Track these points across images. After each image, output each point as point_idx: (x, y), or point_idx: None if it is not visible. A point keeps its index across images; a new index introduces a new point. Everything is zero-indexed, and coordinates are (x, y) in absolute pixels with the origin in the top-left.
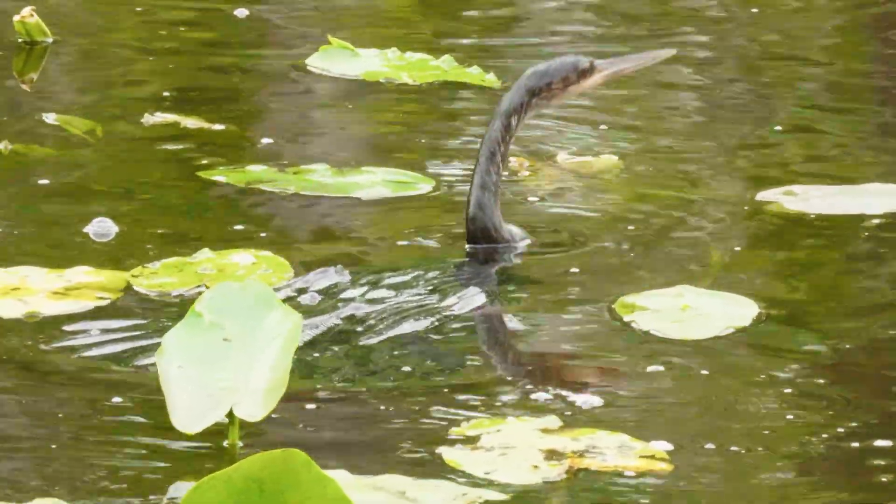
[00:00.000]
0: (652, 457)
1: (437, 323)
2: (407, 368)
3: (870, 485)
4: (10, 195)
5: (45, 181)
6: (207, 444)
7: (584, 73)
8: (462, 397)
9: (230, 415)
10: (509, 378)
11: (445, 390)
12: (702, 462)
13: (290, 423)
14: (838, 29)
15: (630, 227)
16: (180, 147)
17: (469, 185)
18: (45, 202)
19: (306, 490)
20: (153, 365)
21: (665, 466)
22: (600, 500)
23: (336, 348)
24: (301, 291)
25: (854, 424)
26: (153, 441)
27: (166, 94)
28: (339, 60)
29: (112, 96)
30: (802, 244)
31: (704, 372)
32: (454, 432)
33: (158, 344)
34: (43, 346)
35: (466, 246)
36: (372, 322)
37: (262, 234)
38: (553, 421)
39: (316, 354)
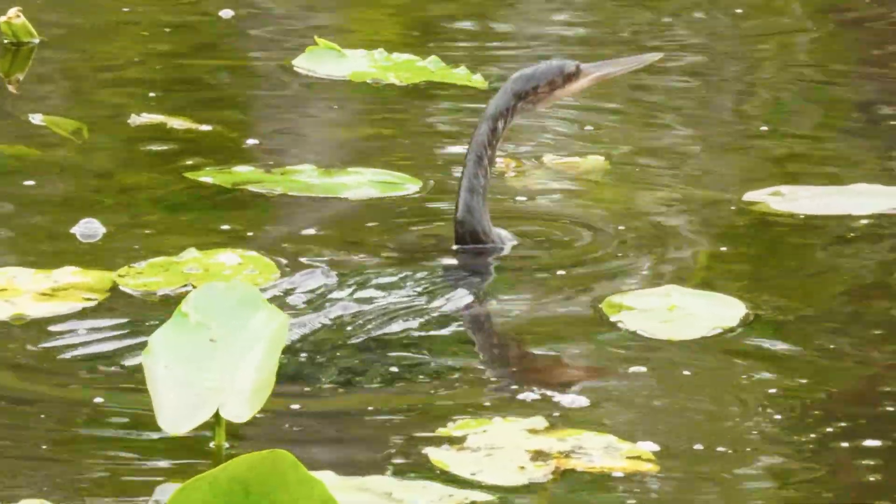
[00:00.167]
0: (638, 457)
1: (424, 323)
2: (393, 369)
3: (858, 484)
4: None
5: (31, 182)
6: (194, 445)
7: (571, 77)
8: (448, 398)
9: (216, 415)
10: (496, 379)
11: (432, 391)
12: (689, 463)
13: (277, 424)
14: (823, 31)
15: (617, 228)
16: (167, 148)
17: (457, 189)
18: (31, 203)
19: (293, 491)
20: (139, 365)
21: (651, 467)
22: (586, 500)
23: (323, 349)
24: (288, 292)
25: (842, 424)
26: (139, 442)
27: (152, 94)
28: (325, 61)
29: (98, 97)
30: (789, 244)
31: (691, 372)
32: (440, 433)
33: (145, 344)
34: (30, 347)
35: (454, 246)
36: (359, 323)
37: (250, 234)
38: (539, 422)
39: (303, 355)
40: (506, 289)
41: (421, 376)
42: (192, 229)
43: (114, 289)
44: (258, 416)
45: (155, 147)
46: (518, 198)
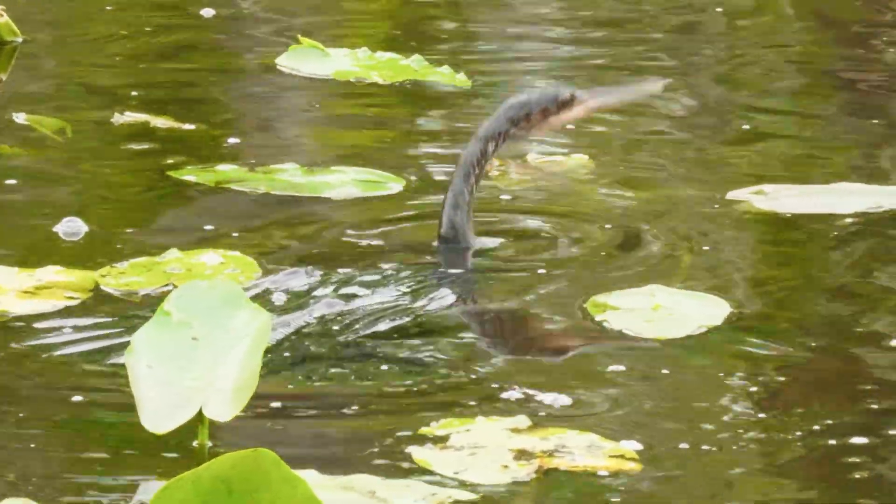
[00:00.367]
0: (622, 456)
1: (407, 323)
2: (376, 368)
3: (844, 482)
4: None
5: (13, 181)
6: (176, 444)
7: (565, 105)
8: (431, 397)
9: (199, 414)
10: (479, 378)
11: (415, 389)
12: (673, 462)
13: (260, 423)
14: (808, 29)
15: (601, 227)
16: (150, 147)
17: (442, 202)
18: (14, 202)
19: (276, 490)
20: (122, 364)
21: (635, 466)
22: (570, 499)
23: (306, 348)
24: (271, 291)
25: (828, 422)
26: (122, 441)
27: (135, 93)
28: (309, 60)
29: (82, 96)
30: (773, 243)
31: (675, 371)
32: (424, 432)
33: (127, 343)
34: (14, 345)
35: (436, 243)
36: (342, 322)
37: (235, 234)
38: (522, 420)
39: (286, 354)
40: (489, 288)
41: (404, 375)
42: (176, 228)
43: (96, 288)
44: (241, 414)
45: (138, 146)
46: (502, 196)
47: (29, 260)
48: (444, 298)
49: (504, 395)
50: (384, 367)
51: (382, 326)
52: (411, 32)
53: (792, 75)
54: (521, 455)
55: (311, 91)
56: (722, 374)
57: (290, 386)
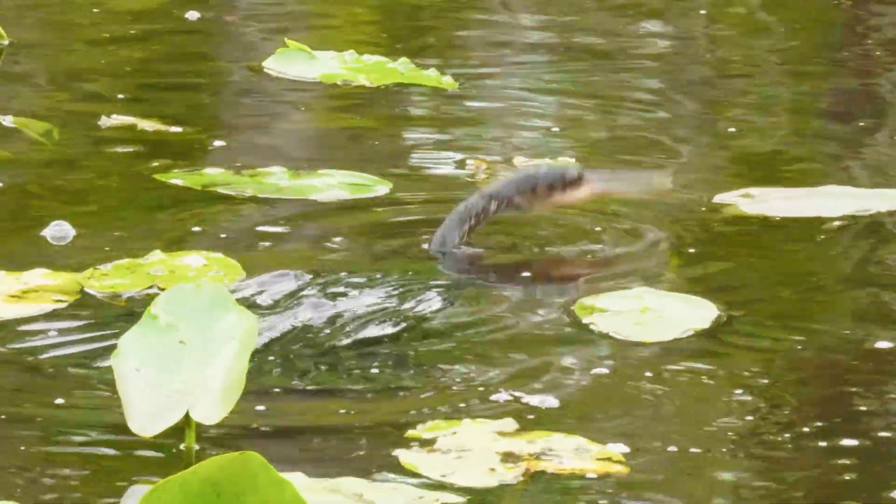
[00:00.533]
0: (609, 459)
1: (395, 326)
2: (364, 371)
3: (833, 483)
4: None
5: (0, 184)
6: (164, 447)
7: (572, 184)
8: (418, 400)
9: (187, 417)
10: (465, 380)
11: (402, 392)
12: (660, 464)
13: (247, 426)
14: (795, 35)
15: (589, 229)
16: (137, 149)
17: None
18: (1, 205)
19: (263, 493)
20: (109, 367)
21: (622, 469)
22: (557, 502)
23: (293, 350)
24: (258, 294)
25: (817, 424)
26: (109, 444)
27: (122, 96)
28: (296, 63)
29: (68, 99)
30: (761, 246)
31: (663, 374)
32: (411, 435)
33: (114, 346)
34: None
35: (424, 245)
36: (330, 325)
37: (222, 236)
38: (509, 423)
39: (273, 357)
40: (476, 291)
41: (391, 378)
42: (163, 231)
43: (84, 291)
44: (229, 417)
45: (125, 149)
46: None
47: (16, 263)
48: (431, 301)
49: (491, 397)
50: (371, 370)
51: (370, 329)
52: (398, 35)
53: (778, 78)
54: (508, 458)
55: (298, 94)
56: (710, 377)
57: (276, 389)
